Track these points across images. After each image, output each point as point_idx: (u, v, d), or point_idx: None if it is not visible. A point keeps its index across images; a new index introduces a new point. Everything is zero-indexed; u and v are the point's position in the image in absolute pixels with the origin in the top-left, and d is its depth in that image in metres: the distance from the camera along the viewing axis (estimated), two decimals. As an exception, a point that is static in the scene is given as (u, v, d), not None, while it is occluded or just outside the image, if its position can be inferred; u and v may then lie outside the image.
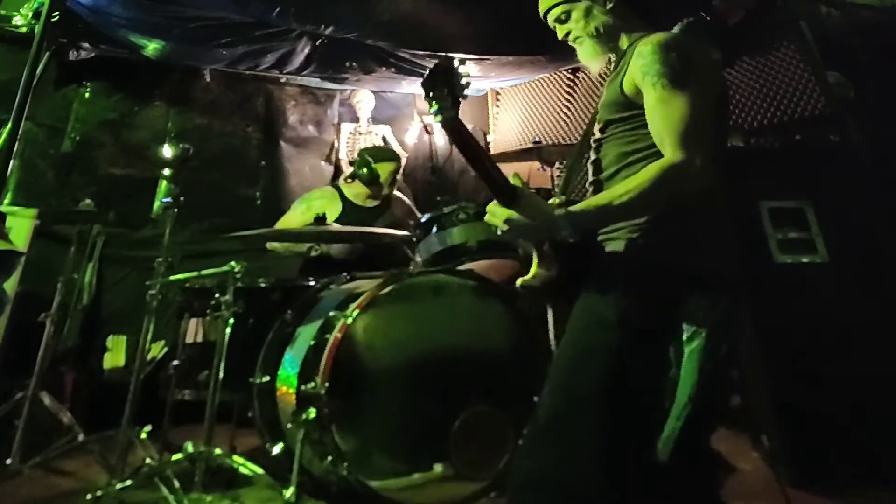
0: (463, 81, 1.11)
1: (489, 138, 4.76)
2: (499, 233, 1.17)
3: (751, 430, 2.50)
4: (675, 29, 3.36)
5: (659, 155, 1.16)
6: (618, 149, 1.30)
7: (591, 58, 1.40)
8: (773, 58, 3.27)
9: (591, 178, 1.36)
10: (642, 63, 1.21)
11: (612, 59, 1.41)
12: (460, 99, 1.11)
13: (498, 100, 4.75)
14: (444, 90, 1.11)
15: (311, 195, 3.22)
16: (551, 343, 1.32)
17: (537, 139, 3.29)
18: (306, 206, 3.09)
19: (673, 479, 1.19)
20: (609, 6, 1.36)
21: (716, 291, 1.23)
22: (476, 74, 4.10)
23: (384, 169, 3.09)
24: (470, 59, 3.82)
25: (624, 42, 1.37)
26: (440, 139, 4.68)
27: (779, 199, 2.43)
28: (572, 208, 1.13)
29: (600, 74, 1.53)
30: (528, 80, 4.40)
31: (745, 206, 2.42)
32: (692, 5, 3.35)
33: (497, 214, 1.14)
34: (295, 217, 3.09)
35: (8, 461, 2.23)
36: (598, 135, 1.36)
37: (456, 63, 1.12)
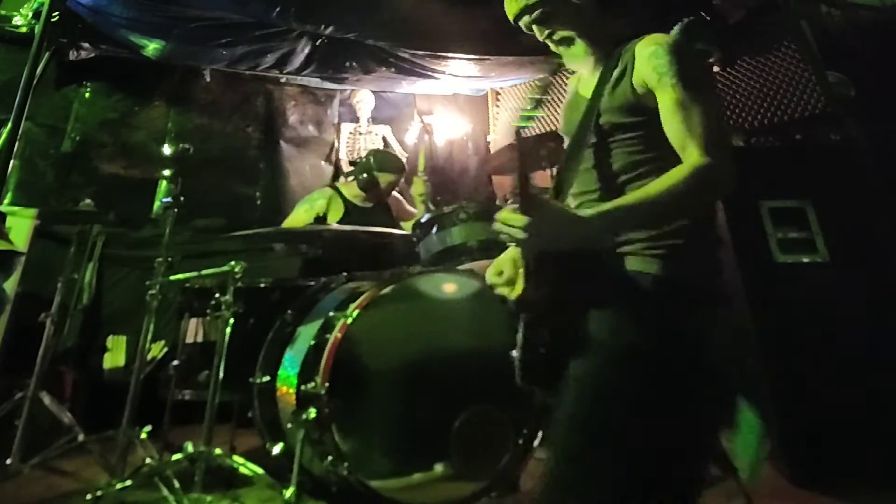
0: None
1: (489, 138, 4.76)
2: (516, 241, 1.06)
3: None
4: (675, 29, 3.36)
5: (669, 163, 1.11)
6: (627, 157, 1.22)
7: (579, 59, 1.33)
8: (773, 57, 3.27)
9: (594, 187, 1.27)
10: (657, 64, 1.16)
11: (595, 60, 1.33)
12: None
13: (498, 100, 4.75)
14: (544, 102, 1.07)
15: (313, 196, 3.22)
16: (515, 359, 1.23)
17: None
18: (308, 206, 3.09)
19: None
20: (591, 5, 1.29)
21: (726, 309, 1.17)
22: (476, 74, 4.10)
23: (385, 179, 3.09)
24: (470, 59, 3.83)
25: (612, 43, 1.31)
26: (440, 139, 4.68)
27: (779, 199, 2.43)
28: (585, 214, 1.05)
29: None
30: (528, 80, 4.40)
31: (745, 206, 2.42)
32: (692, 5, 3.35)
33: (513, 221, 1.04)
34: (300, 217, 3.09)
35: (8, 461, 2.23)
36: (593, 139, 1.27)
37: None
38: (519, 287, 1.19)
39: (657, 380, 1.05)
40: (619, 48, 1.28)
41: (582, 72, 1.39)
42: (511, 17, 1.34)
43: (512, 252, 1.32)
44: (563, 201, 1.24)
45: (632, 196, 1.07)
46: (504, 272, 1.30)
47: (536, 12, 1.28)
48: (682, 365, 1.07)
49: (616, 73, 1.25)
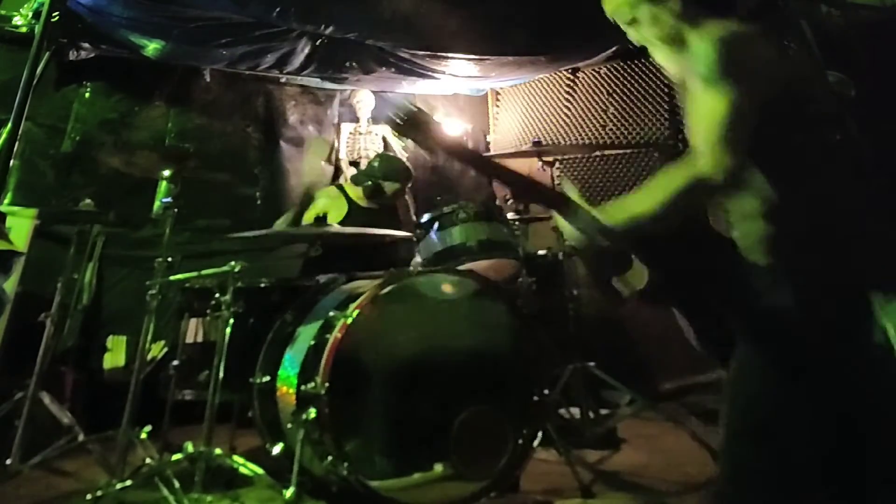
0: (425, 119, 1.09)
1: (489, 138, 4.76)
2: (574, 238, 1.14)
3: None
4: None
5: None
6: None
7: (665, 63, 1.35)
8: (773, 57, 3.25)
9: None
10: (699, 61, 1.16)
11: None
12: (433, 132, 1.09)
13: (498, 100, 4.75)
14: (418, 135, 1.10)
15: (317, 195, 3.23)
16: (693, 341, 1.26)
17: (537, 139, 3.29)
18: (314, 205, 3.09)
19: None
20: (676, 9, 1.27)
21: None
22: (476, 74, 4.10)
23: (391, 188, 3.09)
24: (470, 60, 3.83)
25: (695, 40, 1.27)
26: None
27: (779, 199, 2.43)
28: (613, 216, 1.11)
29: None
30: (528, 80, 4.40)
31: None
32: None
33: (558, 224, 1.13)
34: (306, 216, 3.09)
35: (8, 461, 2.23)
36: None
37: (412, 108, 1.11)
38: (640, 274, 1.22)
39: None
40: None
41: (676, 76, 1.38)
42: (608, 15, 1.38)
43: None
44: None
45: (637, 202, 1.11)
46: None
47: (627, 16, 1.32)
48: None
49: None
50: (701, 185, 1.08)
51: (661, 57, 1.33)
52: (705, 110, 1.11)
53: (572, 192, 1.17)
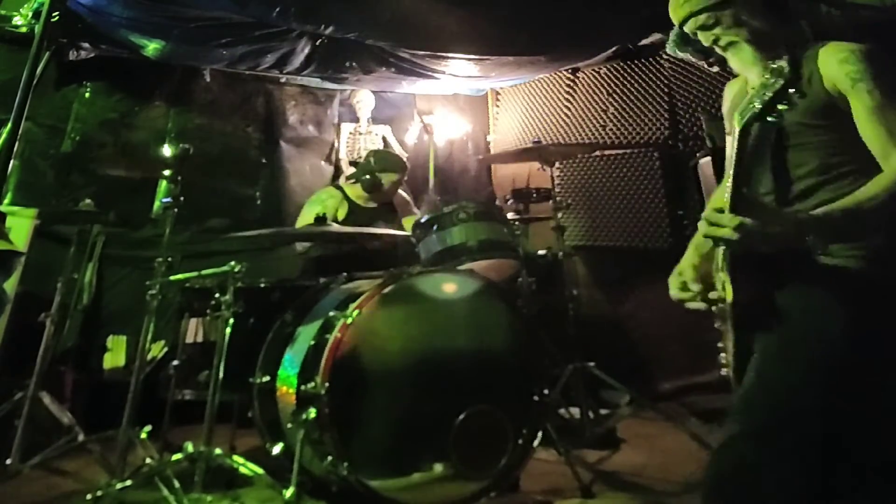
0: None
1: (489, 138, 4.76)
2: (725, 242, 1.10)
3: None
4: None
5: (867, 166, 1.15)
6: (819, 158, 1.23)
7: (748, 63, 1.35)
8: (773, 57, 3.26)
9: (770, 188, 1.28)
10: (850, 70, 1.19)
11: (764, 66, 1.31)
12: None
13: (498, 100, 4.75)
14: None
15: (320, 196, 3.23)
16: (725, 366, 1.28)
17: (537, 139, 3.29)
18: (320, 207, 3.09)
19: None
20: (757, 12, 1.31)
21: None
22: (476, 74, 4.10)
23: (388, 179, 3.10)
24: (470, 59, 3.82)
25: (780, 48, 1.30)
26: (440, 139, 4.68)
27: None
28: (816, 212, 1.11)
29: (731, 74, 1.47)
30: (528, 80, 4.40)
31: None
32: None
33: (725, 222, 1.06)
34: (311, 217, 3.09)
35: (8, 461, 2.23)
36: (777, 141, 1.28)
37: None
38: (729, 292, 1.20)
39: (847, 361, 1.10)
40: (795, 53, 1.28)
41: (749, 76, 1.40)
42: (676, 22, 1.39)
43: (691, 258, 1.36)
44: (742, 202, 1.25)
45: (847, 201, 1.11)
46: (687, 279, 1.32)
47: (703, 17, 1.32)
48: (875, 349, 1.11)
49: (802, 78, 1.25)
50: None
51: (746, 58, 1.34)
52: (881, 115, 1.15)
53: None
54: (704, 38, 1.37)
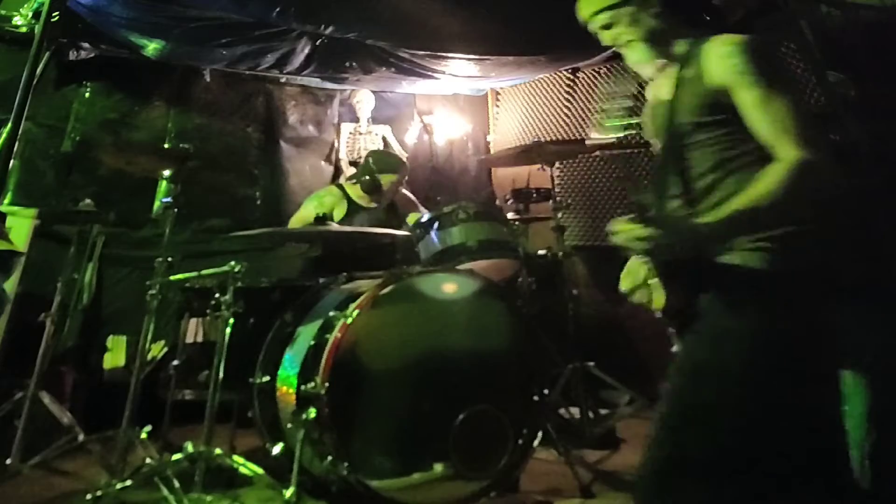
0: None
1: (489, 138, 4.76)
2: (640, 252, 1.14)
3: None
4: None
5: (759, 158, 1.16)
6: (714, 155, 1.25)
7: (642, 62, 1.39)
8: (773, 57, 3.26)
9: (679, 190, 1.29)
10: (733, 63, 1.19)
11: (662, 63, 1.38)
12: None
13: (498, 100, 4.75)
14: None
15: (320, 193, 3.23)
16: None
17: (537, 139, 3.29)
18: (318, 203, 3.09)
19: None
20: (655, 11, 1.35)
21: (864, 302, 1.18)
22: (476, 74, 4.10)
23: (387, 180, 3.09)
24: (470, 59, 3.82)
25: (680, 46, 1.35)
26: (440, 139, 4.68)
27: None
28: (719, 213, 1.12)
29: (648, 78, 1.50)
30: (528, 80, 4.40)
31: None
32: (692, 5, 3.35)
33: (633, 233, 1.11)
34: (310, 214, 3.09)
35: (8, 461, 2.23)
36: (673, 142, 1.30)
37: None
38: (659, 298, 1.23)
39: (756, 359, 1.11)
40: (687, 50, 1.32)
41: (649, 75, 1.44)
42: (583, 22, 1.42)
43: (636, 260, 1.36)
44: (663, 206, 1.28)
45: (742, 199, 1.12)
46: (631, 280, 1.34)
47: (602, 16, 1.36)
48: (785, 345, 1.11)
49: (690, 73, 1.28)
50: (805, 173, 1.09)
51: (640, 56, 1.37)
52: (774, 106, 1.14)
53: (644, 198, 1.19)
54: (605, 38, 1.40)
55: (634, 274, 1.32)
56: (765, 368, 1.11)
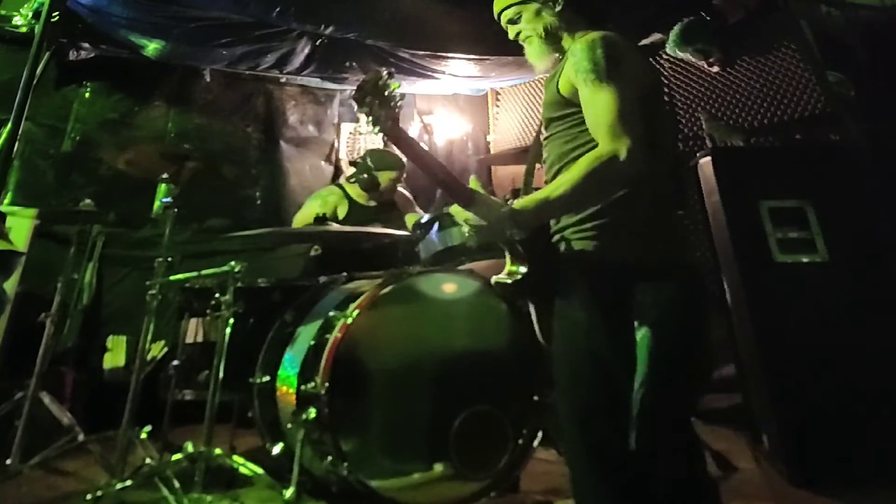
0: (394, 93, 1.19)
1: (489, 138, 4.76)
2: (465, 233, 1.25)
3: (750, 430, 2.50)
4: (675, 29, 3.36)
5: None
6: (559, 147, 1.35)
7: (537, 57, 1.46)
8: (773, 57, 3.27)
9: (548, 177, 1.41)
10: (574, 61, 1.27)
11: (555, 61, 1.47)
12: (396, 108, 1.18)
13: (498, 100, 4.75)
14: (377, 102, 1.18)
15: (323, 192, 3.23)
16: (538, 338, 1.41)
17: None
18: (322, 202, 3.09)
19: (642, 468, 1.19)
20: (557, 8, 1.42)
21: (662, 280, 1.24)
22: (476, 74, 4.10)
23: (385, 177, 3.09)
24: (470, 59, 3.82)
25: (567, 42, 1.42)
26: (440, 139, 4.68)
27: (779, 199, 2.43)
28: (515, 205, 1.20)
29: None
30: (528, 80, 4.40)
31: (744, 206, 2.42)
32: (692, 5, 3.35)
33: (459, 216, 1.25)
34: (312, 212, 3.09)
35: (8, 461, 2.23)
36: (544, 134, 1.43)
37: (384, 75, 1.21)
38: (506, 268, 1.33)
39: (590, 344, 1.23)
40: (568, 47, 1.40)
41: (538, 68, 1.52)
42: (495, 14, 1.52)
43: None
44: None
45: (551, 186, 1.21)
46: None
47: (510, 11, 1.46)
48: (603, 331, 1.22)
49: (554, 72, 1.39)
50: (606, 165, 1.16)
51: (535, 51, 1.46)
52: (598, 100, 1.21)
53: (478, 187, 1.27)
54: (511, 32, 1.49)
55: None
56: (599, 352, 1.21)
